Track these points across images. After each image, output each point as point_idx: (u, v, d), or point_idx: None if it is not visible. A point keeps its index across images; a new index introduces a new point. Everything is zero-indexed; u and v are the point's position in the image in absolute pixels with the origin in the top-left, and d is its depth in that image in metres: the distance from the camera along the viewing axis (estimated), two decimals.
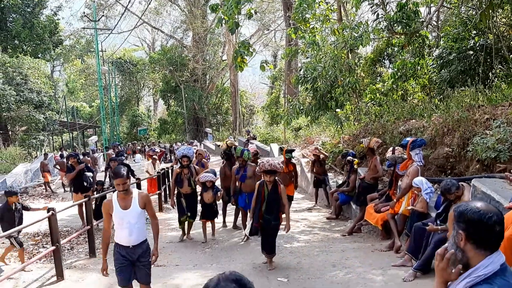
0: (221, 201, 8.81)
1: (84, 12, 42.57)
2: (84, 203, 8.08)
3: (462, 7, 12.07)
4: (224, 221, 9.39)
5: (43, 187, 18.85)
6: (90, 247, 7.57)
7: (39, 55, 39.44)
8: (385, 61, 15.25)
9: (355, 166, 9.34)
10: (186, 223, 8.27)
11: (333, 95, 12.56)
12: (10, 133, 31.14)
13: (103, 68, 35.43)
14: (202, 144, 28.65)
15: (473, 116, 8.04)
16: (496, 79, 10.27)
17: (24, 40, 38.15)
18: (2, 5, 35.79)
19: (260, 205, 6.07)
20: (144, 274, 4.48)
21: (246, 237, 7.79)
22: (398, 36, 12.47)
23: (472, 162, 7.43)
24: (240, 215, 8.72)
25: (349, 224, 9.12)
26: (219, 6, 10.15)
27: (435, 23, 14.90)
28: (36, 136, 31.99)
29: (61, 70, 63.00)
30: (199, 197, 8.34)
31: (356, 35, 11.07)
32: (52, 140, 40.44)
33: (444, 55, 11.17)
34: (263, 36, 42.89)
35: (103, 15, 41.51)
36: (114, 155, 17.53)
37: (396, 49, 14.10)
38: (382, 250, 6.90)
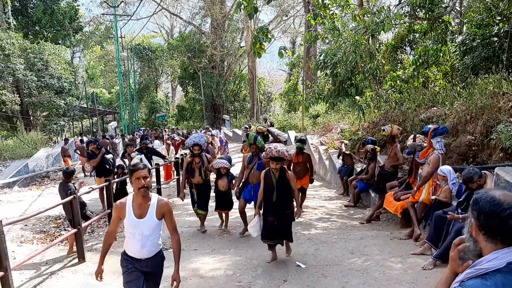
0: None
1: None
2: (104, 187, 8.19)
3: None
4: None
5: None
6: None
7: (60, 41, 39.88)
8: (406, 48, 14.97)
9: (377, 153, 9.26)
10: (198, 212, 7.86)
11: (353, 81, 12.41)
12: (31, 118, 31.69)
13: (122, 55, 35.64)
14: (221, 131, 28.63)
15: (497, 104, 7.86)
16: None
17: (45, 26, 38.60)
18: None
19: (271, 196, 5.67)
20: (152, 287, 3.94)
21: (244, 230, 7.43)
22: (420, 21, 12.22)
23: (496, 150, 7.29)
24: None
25: (367, 212, 9.08)
26: None
27: (459, 9, 14.54)
28: (57, 121, 32.52)
29: (81, 56, 63.57)
30: (213, 186, 7.92)
31: (377, 20, 10.88)
32: (72, 125, 41.02)
33: (467, 41, 10.91)
34: (282, 22, 42.51)
35: (122, 1, 41.56)
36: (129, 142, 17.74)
37: (418, 35, 13.83)
38: (401, 238, 6.85)
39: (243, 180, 7.43)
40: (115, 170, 10.58)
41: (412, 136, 8.06)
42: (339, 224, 8.28)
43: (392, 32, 15.14)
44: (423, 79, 12.68)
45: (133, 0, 46.08)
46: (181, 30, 54.44)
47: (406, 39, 14.48)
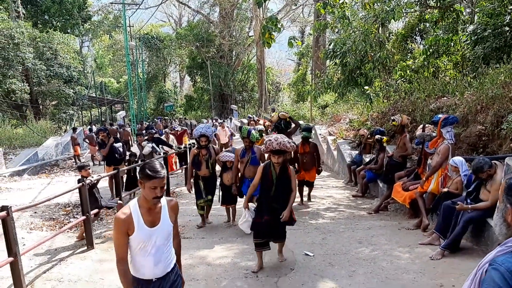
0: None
1: None
2: (113, 176, 8.23)
3: None
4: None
5: (73, 160, 19.33)
6: None
7: (68, 31, 39.95)
8: (416, 37, 14.81)
9: (384, 144, 9.20)
10: (205, 207, 7.57)
11: (362, 71, 12.30)
12: (41, 107, 31.87)
13: (131, 44, 35.60)
14: (231, 121, 28.59)
15: (508, 94, 7.75)
16: None
17: (54, 15, 38.66)
18: None
19: (269, 192, 5.07)
20: None
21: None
22: (431, 10, 12.06)
23: (506, 140, 7.21)
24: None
25: (375, 202, 9.05)
26: None
27: None
28: (66, 110, 32.68)
29: (90, 46, 63.66)
30: (218, 180, 7.64)
31: (387, 9, 10.76)
32: (81, 114, 41.22)
33: (478, 31, 10.75)
34: (291, 12, 42.20)
35: None
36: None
37: (428, 24, 13.66)
38: (409, 228, 6.83)
39: (239, 175, 7.18)
40: (127, 158, 10.65)
41: (421, 126, 7.99)
42: (346, 214, 8.26)
43: (403, 21, 14.99)
44: (433, 69, 12.55)
45: None
46: (189, 19, 54.33)
47: (417, 28, 14.32)
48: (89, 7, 45.44)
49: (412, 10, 11.98)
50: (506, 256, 1.65)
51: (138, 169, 10.14)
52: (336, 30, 13.78)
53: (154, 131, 13.49)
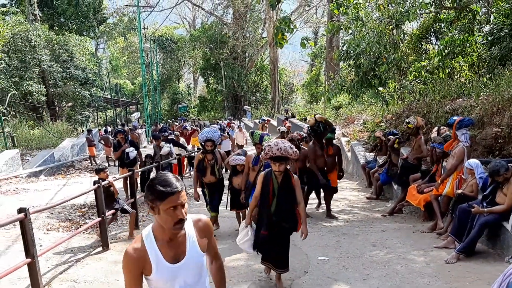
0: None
1: None
2: (128, 177, 8.31)
3: None
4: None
5: (89, 161, 19.56)
6: (130, 226, 7.78)
7: (84, 33, 40.43)
8: (431, 38, 14.67)
9: (395, 146, 9.12)
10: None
11: (376, 72, 12.24)
12: (57, 108, 32.30)
13: (145, 46, 35.90)
14: (242, 122, 28.65)
15: None
16: None
17: (70, 18, 39.17)
18: None
19: (268, 205, 4.51)
20: None
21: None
22: (446, 11, 11.94)
23: None
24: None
25: (389, 204, 9.00)
26: None
27: None
28: (82, 112, 33.07)
29: (105, 48, 64.29)
30: (226, 182, 7.22)
31: (402, 10, 10.68)
32: (97, 116, 41.67)
33: (495, 31, 10.62)
34: (304, 13, 42.12)
35: None
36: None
37: (443, 25, 13.53)
38: (423, 232, 6.78)
39: (248, 183, 6.52)
40: (140, 161, 10.73)
41: (436, 128, 7.93)
42: (361, 216, 8.23)
43: (417, 22, 14.86)
44: (449, 70, 12.43)
45: None
46: (203, 21, 54.51)
47: (432, 29, 14.19)
48: (104, 9, 45.93)
49: (427, 10, 11.87)
50: None
51: (154, 170, 10.28)
52: (350, 31, 13.72)
53: (167, 133, 13.58)
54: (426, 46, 14.35)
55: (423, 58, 13.77)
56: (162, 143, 11.60)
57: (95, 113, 39.69)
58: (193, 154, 13.32)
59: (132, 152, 10.51)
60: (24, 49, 26.71)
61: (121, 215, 8.67)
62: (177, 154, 12.18)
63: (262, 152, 4.60)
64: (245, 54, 45.87)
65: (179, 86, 54.49)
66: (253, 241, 4.75)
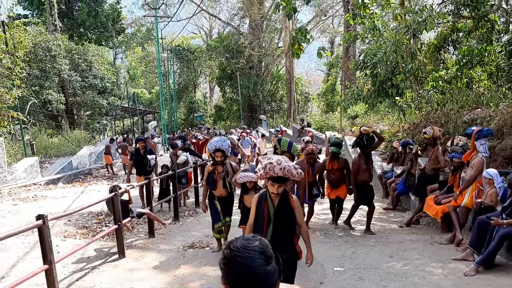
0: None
1: (145, 1, 43.73)
2: (144, 185, 8.37)
3: None
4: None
5: (106, 169, 19.77)
6: (149, 228, 7.84)
7: (103, 43, 41.17)
8: (449, 47, 14.54)
9: (419, 152, 9.04)
10: (222, 228, 6.76)
11: (393, 82, 12.16)
12: (75, 117, 32.80)
13: (163, 56, 36.32)
14: (257, 131, 28.65)
15: None
16: None
17: (89, 28, 39.93)
18: None
19: (263, 232, 3.79)
20: None
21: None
22: (464, 20, 11.84)
23: None
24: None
25: (407, 215, 8.89)
26: None
27: (505, 7, 14.00)
28: (100, 120, 33.55)
29: (123, 58, 65.26)
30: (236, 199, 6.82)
31: (419, 19, 10.63)
32: (114, 124, 42.17)
33: None
34: (320, 22, 42.18)
35: (163, 3, 42.49)
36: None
37: (461, 34, 13.41)
38: (442, 243, 6.67)
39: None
40: (158, 170, 10.84)
41: (452, 138, 7.86)
42: (377, 227, 8.14)
43: (435, 32, 14.77)
44: (467, 79, 12.30)
45: (173, 2, 47.03)
46: (219, 31, 54.98)
47: (449, 39, 14.07)
48: (123, 20, 46.69)
49: (444, 20, 11.79)
50: None
51: (169, 180, 10.33)
52: (367, 41, 13.68)
53: (188, 143, 13.63)
54: (443, 55, 14.22)
55: (441, 67, 13.64)
56: (179, 152, 11.67)
57: (113, 122, 40.18)
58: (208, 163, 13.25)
59: (152, 159, 10.70)
60: (45, 58, 27.29)
61: (137, 223, 8.74)
62: (193, 163, 12.22)
63: (260, 170, 3.78)
64: (261, 63, 46.03)
65: (195, 95, 54.86)
66: None
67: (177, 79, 51.55)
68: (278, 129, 20.98)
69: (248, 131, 21.76)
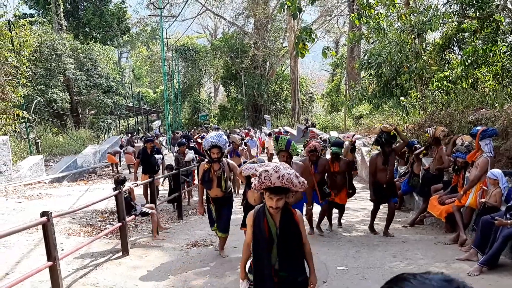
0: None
1: (150, 0, 43.83)
2: (148, 184, 8.40)
3: None
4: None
5: (110, 168, 19.82)
6: (153, 226, 7.86)
7: (108, 42, 41.28)
8: (454, 48, 14.50)
9: (421, 156, 9.02)
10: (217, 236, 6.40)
11: (398, 82, 12.14)
12: (80, 116, 32.92)
13: (167, 55, 36.39)
14: (262, 132, 28.68)
15: None
16: None
17: (94, 27, 40.05)
18: None
19: (268, 254, 3.15)
20: None
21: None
22: (469, 20, 11.79)
23: None
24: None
25: (410, 215, 8.88)
26: None
27: (511, 7, 13.94)
28: (104, 119, 33.65)
29: (128, 57, 65.42)
30: (236, 198, 6.50)
31: (424, 19, 10.60)
32: (119, 123, 42.29)
33: None
34: (325, 22, 42.14)
35: (168, 3, 42.54)
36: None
37: (466, 34, 13.37)
38: (445, 243, 6.66)
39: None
40: (163, 170, 10.91)
41: (455, 138, 7.86)
42: (381, 226, 8.11)
43: (440, 32, 14.73)
44: (472, 80, 12.26)
45: (178, 2, 47.07)
46: (224, 31, 55.04)
47: (454, 39, 14.03)
48: (128, 19, 46.81)
49: (449, 20, 11.75)
50: None
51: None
52: (371, 40, 13.66)
53: (192, 141, 13.76)
54: (448, 56, 14.18)
55: (446, 68, 13.61)
56: (186, 150, 11.71)
57: (118, 121, 40.29)
58: None
59: (160, 159, 10.82)
60: (50, 57, 27.39)
61: (141, 221, 8.76)
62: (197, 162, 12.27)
63: (255, 179, 3.13)
64: (266, 63, 46.06)
65: (200, 95, 54.93)
66: None
67: (181, 78, 51.64)
68: (277, 130, 20.86)
69: (246, 131, 21.73)
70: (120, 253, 6.55)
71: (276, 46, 45.74)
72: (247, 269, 3.41)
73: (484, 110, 9.95)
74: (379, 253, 6.32)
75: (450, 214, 6.95)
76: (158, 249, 6.94)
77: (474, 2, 10.17)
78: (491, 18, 11.32)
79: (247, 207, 5.74)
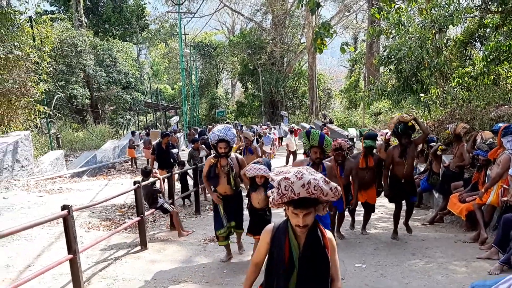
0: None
1: None
2: (166, 179, 8.45)
3: None
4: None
5: (129, 163, 20.04)
6: (171, 221, 7.92)
7: (127, 39, 41.70)
8: (476, 43, 14.22)
9: (438, 152, 8.89)
10: (228, 234, 5.89)
11: (418, 77, 11.97)
12: (100, 112, 33.33)
13: (185, 52, 36.55)
14: (280, 127, 28.58)
15: None
16: None
17: (114, 24, 40.46)
18: None
19: (283, 281, 2.54)
20: None
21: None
22: (492, 15, 11.55)
23: None
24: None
25: (430, 213, 8.76)
26: None
27: None
28: (123, 115, 34.02)
29: (147, 53, 65.96)
30: (245, 201, 5.85)
31: (446, 14, 10.41)
32: (137, 119, 42.69)
33: None
34: (344, 18, 41.79)
35: None
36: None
37: (489, 30, 13.10)
38: (466, 242, 6.55)
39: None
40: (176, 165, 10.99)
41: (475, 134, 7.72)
42: (400, 224, 8.03)
43: (461, 27, 14.46)
44: (494, 76, 12.02)
45: None
46: (242, 27, 55.02)
47: (476, 34, 13.76)
48: (147, 16, 47.20)
49: (471, 15, 11.52)
50: None
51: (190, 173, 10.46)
52: (391, 36, 13.48)
53: (206, 136, 13.78)
54: (470, 51, 13.92)
55: (467, 64, 13.37)
56: (201, 146, 11.77)
57: (136, 117, 40.68)
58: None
59: (175, 154, 10.98)
60: (70, 54, 27.78)
61: (159, 215, 8.83)
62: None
63: (272, 192, 2.48)
64: (283, 59, 45.94)
65: (217, 91, 55.10)
66: None
67: (199, 75, 51.87)
68: (295, 127, 20.57)
69: (265, 126, 21.57)
70: (139, 247, 6.62)
71: (294, 42, 45.56)
72: None
73: (506, 106, 9.75)
74: (398, 250, 6.25)
75: (471, 212, 6.83)
76: (176, 244, 6.98)
77: None
78: None
79: (252, 210, 5.56)
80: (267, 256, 2.65)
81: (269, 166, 5.55)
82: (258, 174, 5.23)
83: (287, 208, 2.48)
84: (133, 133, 21.32)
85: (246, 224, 5.88)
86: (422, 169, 10.09)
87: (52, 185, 12.72)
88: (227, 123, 34.94)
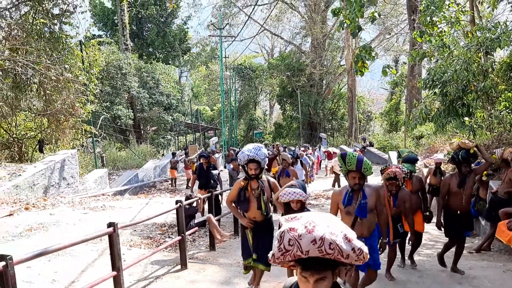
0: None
1: (210, 21, 45.22)
2: (207, 199, 8.55)
3: None
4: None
5: (169, 182, 20.40)
6: (210, 241, 7.97)
7: (170, 62, 42.94)
8: None
9: (484, 178, 8.57)
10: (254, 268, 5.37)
11: (464, 101, 11.69)
12: (142, 132, 34.23)
13: (225, 74, 37.20)
14: (320, 150, 28.37)
15: None
16: None
17: (157, 47, 41.85)
18: (140, 16, 39.67)
19: None
20: None
21: None
22: None
23: None
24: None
25: (476, 241, 8.43)
26: (341, 10, 10.05)
27: None
28: (164, 135, 34.81)
29: (188, 76, 67.52)
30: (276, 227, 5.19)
31: (493, 36, 10.18)
32: (177, 139, 43.52)
33: None
34: (385, 41, 41.52)
35: (227, 24, 43.63)
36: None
37: None
38: None
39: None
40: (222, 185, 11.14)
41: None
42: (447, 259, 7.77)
43: (507, 49, 14.07)
44: None
45: (237, 22, 48.18)
46: (281, 50, 55.63)
47: None
48: (189, 40, 48.48)
49: None
50: None
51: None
52: (434, 59, 13.27)
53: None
54: None
55: None
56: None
57: (177, 137, 41.50)
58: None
59: (216, 174, 11.08)
60: (116, 76, 28.85)
61: (198, 235, 8.90)
62: None
63: (276, 247, 1.82)
64: (322, 81, 45.93)
65: (256, 113, 55.54)
66: None
67: (238, 96, 52.53)
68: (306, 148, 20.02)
69: (303, 148, 21.31)
70: (179, 266, 6.68)
71: (334, 64, 45.56)
72: None
73: None
74: (443, 279, 6.04)
75: None
76: (215, 265, 7.00)
77: None
78: None
79: None
80: None
81: (304, 189, 5.07)
82: (293, 199, 4.67)
83: (297, 268, 1.82)
84: (173, 154, 21.75)
85: None
86: None
87: (96, 202, 13.06)
88: (265, 144, 35.09)
